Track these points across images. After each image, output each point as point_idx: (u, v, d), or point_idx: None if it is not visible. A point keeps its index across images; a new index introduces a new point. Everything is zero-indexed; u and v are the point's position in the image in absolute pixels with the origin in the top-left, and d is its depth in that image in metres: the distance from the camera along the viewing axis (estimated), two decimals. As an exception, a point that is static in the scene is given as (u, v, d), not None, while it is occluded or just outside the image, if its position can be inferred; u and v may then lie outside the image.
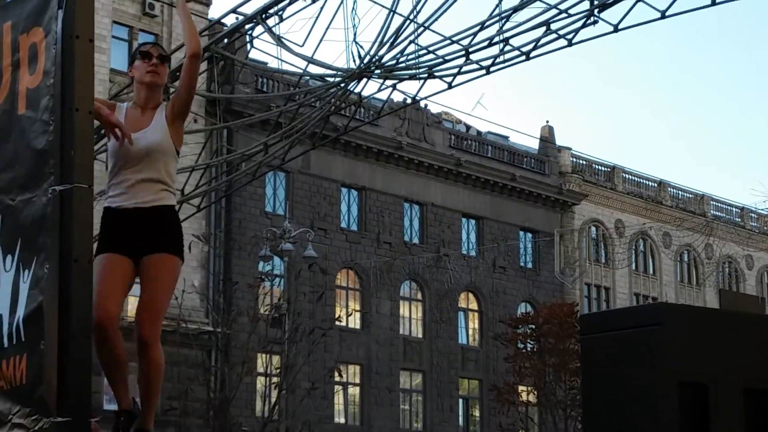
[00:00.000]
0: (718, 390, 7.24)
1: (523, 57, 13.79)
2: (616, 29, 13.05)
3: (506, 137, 53.22)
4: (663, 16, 12.76)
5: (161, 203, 5.92)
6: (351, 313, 43.20)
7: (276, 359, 34.78)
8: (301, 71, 15.20)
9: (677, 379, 7.17)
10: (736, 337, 7.49)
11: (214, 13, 42.40)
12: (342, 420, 44.80)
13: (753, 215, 64.01)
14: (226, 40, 15.87)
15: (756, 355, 7.50)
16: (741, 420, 7.26)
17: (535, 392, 42.83)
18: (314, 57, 14.50)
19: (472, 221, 50.42)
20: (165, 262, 5.88)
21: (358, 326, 45.53)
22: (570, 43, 13.50)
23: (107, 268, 5.87)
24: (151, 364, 5.85)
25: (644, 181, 58.90)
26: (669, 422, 7.08)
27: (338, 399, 44.83)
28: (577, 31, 13.50)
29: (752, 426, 7.29)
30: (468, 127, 52.42)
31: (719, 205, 62.58)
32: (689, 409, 7.12)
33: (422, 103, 43.33)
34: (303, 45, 14.26)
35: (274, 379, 34.24)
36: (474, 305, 50.12)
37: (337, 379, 41.14)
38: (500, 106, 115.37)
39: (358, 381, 45.55)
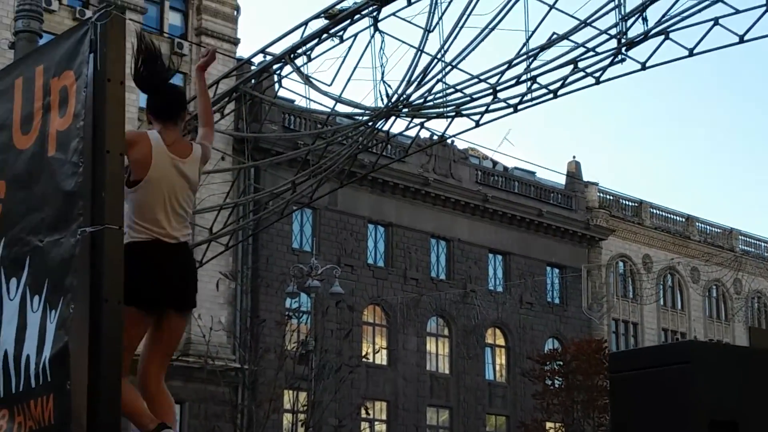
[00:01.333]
0: (750, 428, 7.19)
1: (551, 95, 13.82)
2: (643, 67, 13.05)
3: (533, 173, 53.20)
4: (691, 54, 12.76)
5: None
6: (378, 350, 43.06)
7: (303, 396, 34.71)
8: (329, 110, 15.27)
9: (708, 417, 7.12)
10: (766, 375, 7.44)
11: (243, 52, 42.70)
12: (369, 457, 44.63)
13: (782, 250, 63.66)
14: (253, 81, 15.97)
15: (786, 394, 7.45)
16: (772, 458, 7.21)
17: (563, 429, 42.57)
18: (342, 96, 14.56)
19: (499, 257, 50.33)
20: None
21: (384, 362, 45.42)
22: (598, 81, 13.52)
23: None
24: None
25: (672, 216, 58.70)
26: (701, 461, 7.04)
27: (366, 436, 44.68)
28: (604, 69, 13.51)
29: (783, 464, 7.24)
30: (495, 163, 52.44)
31: (748, 239, 62.25)
32: (722, 449, 7.08)
33: (449, 140, 43.37)
34: (331, 84, 14.32)
35: (301, 416, 34.17)
36: (501, 341, 49.94)
37: (363, 415, 41.05)
38: (527, 141, 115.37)
39: (384, 417, 45.39)
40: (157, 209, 5.85)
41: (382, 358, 45.01)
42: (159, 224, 5.85)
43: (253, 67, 17.26)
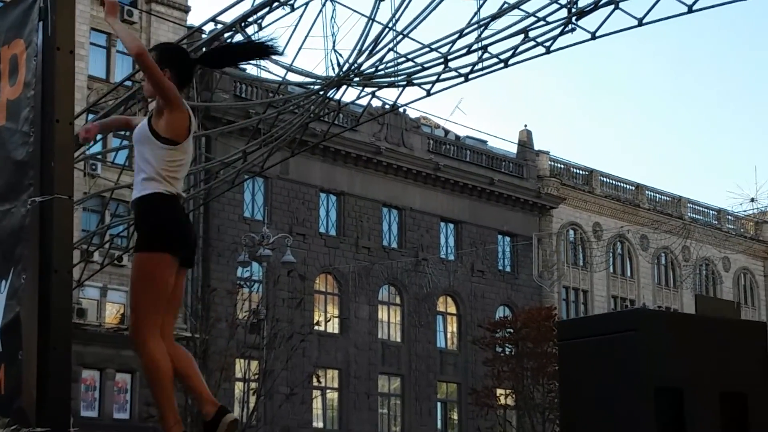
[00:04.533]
0: (695, 395, 7.30)
1: (502, 64, 13.86)
2: (593, 37, 13.12)
3: (485, 142, 53.37)
4: (640, 24, 12.84)
5: (138, 195, 5.84)
6: (329, 318, 43.18)
7: (254, 365, 34.75)
8: (281, 79, 15.22)
9: (654, 384, 7.22)
10: (712, 342, 7.55)
11: (193, 20, 42.37)
12: (320, 425, 44.80)
13: (730, 217, 64.39)
14: (204, 48, 15.88)
15: (731, 360, 7.57)
16: (717, 424, 7.33)
17: (514, 396, 42.97)
18: (293, 65, 14.52)
19: (451, 225, 50.52)
20: (134, 263, 5.86)
21: (336, 331, 45.55)
22: (548, 51, 13.57)
23: None
24: (143, 367, 5.76)
25: (622, 185, 59.17)
26: (646, 427, 7.14)
27: (317, 404, 44.83)
28: (554, 38, 13.56)
29: (728, 429, 7.36)
30: (446, 132, 52.54)
31: (696, 207, 62.91)
32: (666, 414, 7.19)
33: (401, 109, 43.38)
34: (282, 53, 14.28)
35: (253, 385, 34.23)
36: (452, 309, 50.21)
37: (315, 384, 41.17)
38: (479, 110, 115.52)
39: (336, 385, 45.56)
40: (183, 170, 5.91)
41: (333, 327, 45.12)
42: (180, 184, 5.90)
43: (203, 36, 17.13)
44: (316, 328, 39.93)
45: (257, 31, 13.75)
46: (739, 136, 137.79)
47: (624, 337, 7.42)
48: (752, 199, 51.53)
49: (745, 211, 64.36)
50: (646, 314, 8.28)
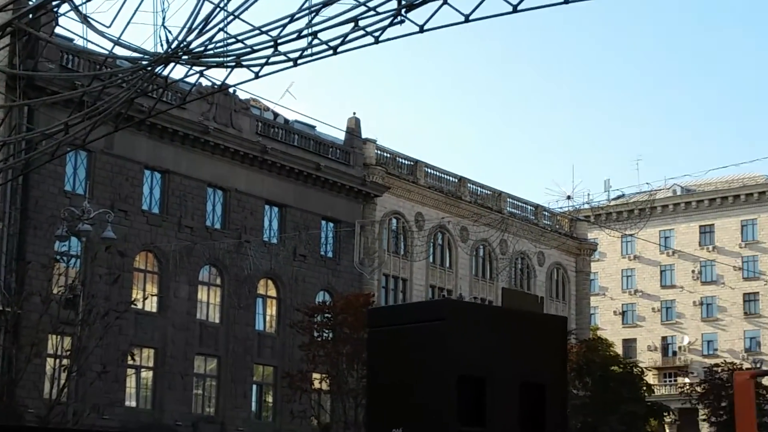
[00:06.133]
0: (495, 384, 7.59)
1: (331, 51, 13.98)
2: (421, 30, 13.37)
3: (313, 127, 53.53)
4: (467, 20, 13.16)
5: None
6: (148, 297, 42.70)
7: (67, 341, 34.11)
8: (108, 52, 15.01)
9: (457, 373, 7.48)
10: (515, 334, 7.86)
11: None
12: (133, 404, 44.26)
13: (546, 213, 66.27)
14: (30, 16, 15.51)
15: (532, 352, 7.89)
16: (515, 413, 7.64)
17: (328, 380, 43.34)
18: (121, 39, 14.34)
19: (275, 209, 50.53)
20: None
21: (154, 310, 45.04)
22: (377, 41, 13.76)
23: None
24: None
25: (445, 176, 60.18)
26: (447, 414, 7.39)
27: (130, 382, 44.28)
28: (384, 29, 13.76)
29: (526, 419, 7.68)
30: (276, 115, 52.48)
31: (515, 202, 64.49)
32: (468, 402, 7.45)
33: (231, 90, 43.19)
34: (110, 26, 14.06)
35: (65, 361, 33.60)
36: (273, 292, 50.26)
37: (130, 362, 40.68)
38: (309, 95, 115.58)
39: (151, 365, 45.07)
40: None
41: (151, 305, 44.63)
42: None
43: (30, 3, 16.74)
44: (133, 306, 39.39)
45: (85, 2, 13.53)
46: (560, 135, 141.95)
47: (430, 326, 7.65)
48: (568, 197, 52.99)
49: (561, 208, 66.45)
50: (453, 304, 8.55)
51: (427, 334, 7.60)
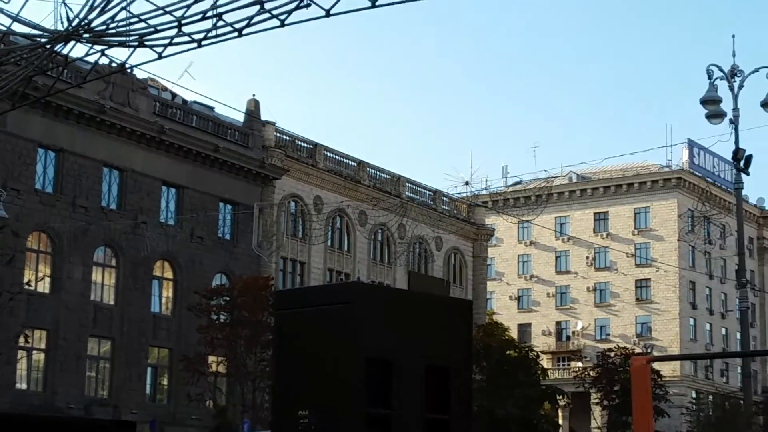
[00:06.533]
0: (402, 366, 7.64)
1: (236, 33, 13.87)
2: (327, 14, 13.34)
3: (212, 108, 53.06)
4: (373, 6, 13.16)
5: None
6: (41, 278, 41.94)
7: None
8: (5, 28, 14.67)
9: (364, 355, 7.51)
10: (421, 317, 7.91)
11: None
12: (24, 386, 43.52)
13: (445, 199, 66.74)
14: None
15: (438, 335, 7.96)
16: (421, 395, 7.70)
17: (225, 363, 43.12)
18: (20, 15, 14.02)
19: (173, 190, 50.01)
20: None
21: (47, 291, 44.28)
22: (283, 24, 13.69)
23: None
24: None
25: (345, 160, 60.20)
26: (356, 396, 7.42)
27: (22, 365, 43.50)
28: (290, 12, 13.71)
29: (432, 401, 7.74)
30: (174, 95, 51.89)
31: (414, 187, 64.81)
32: (375, 384, 7.49)
33: (129, 69, 42.52)
34: (8, 2, 13.76)
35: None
36: (169, 274, 49.78)
37: (22, 344, 39.97)
38: (209, 76, 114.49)
39: (44, 346, 44.34)
40: None
41: (44, 287, 43.88)
42: None
43: None
44: (26, 287, 38.66)
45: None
46: (459, 121, 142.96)
47: (339, 308, 7.67)
48: (467, 183, 53.65)
49: (459, 193, 67.11)
50: (361, 287, 8.54)
51: (334, 317, 7.61)
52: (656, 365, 57.38)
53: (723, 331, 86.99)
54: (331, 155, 59.45)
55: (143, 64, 16.20)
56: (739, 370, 68.22)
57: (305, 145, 58.19)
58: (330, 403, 7.48)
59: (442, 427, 7.79)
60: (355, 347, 7.51)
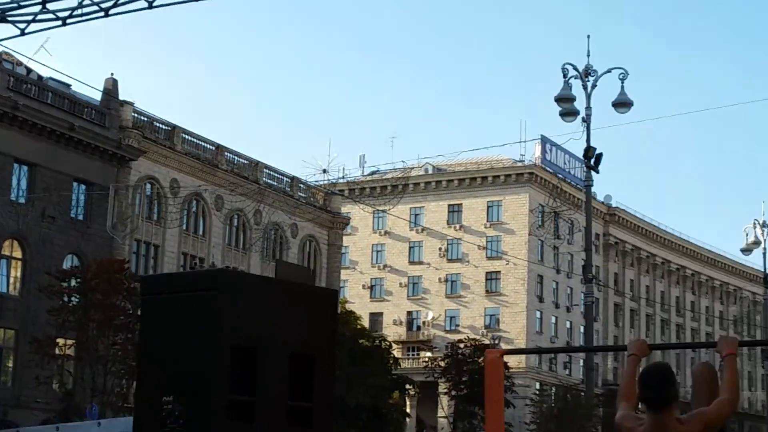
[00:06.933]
0: (266, 354, 7.77)
1: (102, 13, 13.79)
2: (150, 6, 13.46)
3: (69, 85, 51.92)
4: (150, 6, 13.28)
5: None
6: None
7: None
8: None
9: (230, 342, 7.61)
10: (287, 306, 8.05)
11: None
12: None
13: (302, 186, 66.76)
14: None
15: (302, 323, 8.10)
16: (285, 382, 7.84)
17: (75, 345, 42.38)
18: None
19: (25, 167, 48.81)
20: None
21: None
22: (150, 6, 13.68)
23: None
24: None
25: (203, 144, 59.69)
26: (221, 382, 7.52)
27: None
28: (158, -5, 13.71)
29: (295, 387, 7.89)
30: (29, 71, 50.58)
31: (272, 173, 64.64)
32: (240, 371, 7.60)
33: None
34: None
35: None
36: (18, 253, 48.60)
37: None
38: (68, 54, 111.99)
39: None
40: None
41: None
42: None
43: None
44: None
45: None
46: (318, 109, 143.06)
47: (205, 295, 7.75)
48: (324, 171, 53.72)
49: (317, 181, 67.20)
50: (227, 275, 8.63)
51: (201, 303, 7.69)
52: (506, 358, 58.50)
53: (568, 324, 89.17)
54: (190, 138, 58.86)
55: (5, 40, 15.90)
56: (581, 363, 70.18)
57: (163, 126, 57.49)
58: (194, 390, 7.56)
59: (305, 414, 7.95)
60: (220, 334, 7.60)
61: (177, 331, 7.80)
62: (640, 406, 6.21)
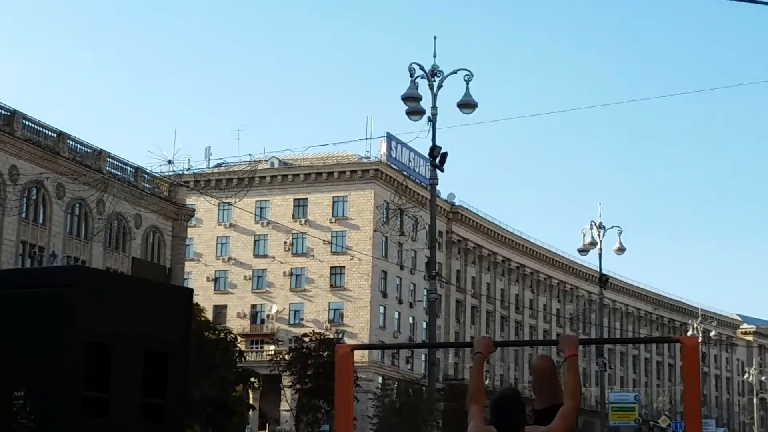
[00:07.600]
0: (121, 351, 7.78)
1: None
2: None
3: None
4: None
5: None
6: None
7: None
8: None
9: (84, 339, 7.59)
10: (142, 303, 8.07)
11: None
12: None
13: (146, 176, 65.84)
14: None
15: (157, 321, 8.14)
16: (138, 379, 7.86)
17: None
18: None
19: None
20: None
21: None
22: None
23: None
24: None
25: (44, 130, 58.29)
26: (73, 379, 7.49)
27: None
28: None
29: (148, 384, 7.92)
30: None
31: (116, 162, 63.57)
32: (94, 368, 7.59)
33: None
34: None
35: None
36: None
37: None
38: None
39: None
40: None
41: None
42: None
43: None
44: None
45: None
46: (163, 100, 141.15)
47: (59, 292, 7.70)
48: (169, 162, 52.94)
49: (162, 172, 66.29)
50: (82, 272, 8.58)
51: (54, 300, 7.64)
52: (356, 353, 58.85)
53: (410, 319, 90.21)
54: (30, 124, 57.40)
55: None
56: (423, 357, 71.15)
57: (2, 111, 55.91)
58: (47, 385, 7.52)
59: (158, 410, 8.00)
60: (74, 331, 7.58)
61: (30, 326, 7.73)
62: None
